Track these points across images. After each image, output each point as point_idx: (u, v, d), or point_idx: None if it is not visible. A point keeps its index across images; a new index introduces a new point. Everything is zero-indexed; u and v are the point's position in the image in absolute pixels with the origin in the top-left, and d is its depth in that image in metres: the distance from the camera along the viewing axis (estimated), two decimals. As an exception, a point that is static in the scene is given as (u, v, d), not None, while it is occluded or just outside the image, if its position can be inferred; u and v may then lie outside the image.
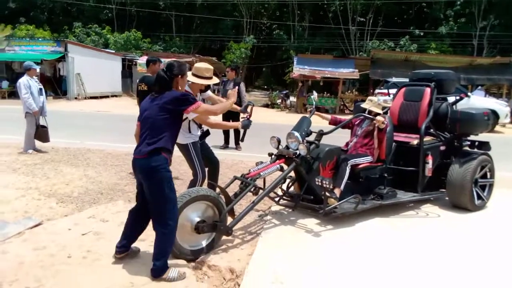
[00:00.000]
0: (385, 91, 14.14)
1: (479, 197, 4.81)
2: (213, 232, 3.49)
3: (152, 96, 3.09)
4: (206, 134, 4.47)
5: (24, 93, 7.10)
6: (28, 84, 7.15)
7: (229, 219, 3.64)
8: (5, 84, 21.97)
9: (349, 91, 26.58)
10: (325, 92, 22.62)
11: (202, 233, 3.39)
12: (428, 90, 5.07)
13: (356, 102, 22.21)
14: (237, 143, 8.89)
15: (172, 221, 3.01)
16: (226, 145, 8.88)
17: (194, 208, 3.40)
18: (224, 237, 3.65)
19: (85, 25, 38.95)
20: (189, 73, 3.95)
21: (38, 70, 7.61)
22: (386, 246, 3.73)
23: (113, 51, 30.68)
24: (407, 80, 6.46)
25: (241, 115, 5.04)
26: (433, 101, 4.99)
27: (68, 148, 7.95)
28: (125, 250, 3.29)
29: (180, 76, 3.09)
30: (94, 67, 23.91)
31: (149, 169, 2.92)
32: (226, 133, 8.86)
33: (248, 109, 4.25)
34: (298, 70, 20.95)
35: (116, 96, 26.68)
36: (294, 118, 17.34)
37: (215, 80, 4.12)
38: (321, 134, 4.20)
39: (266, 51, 43.51)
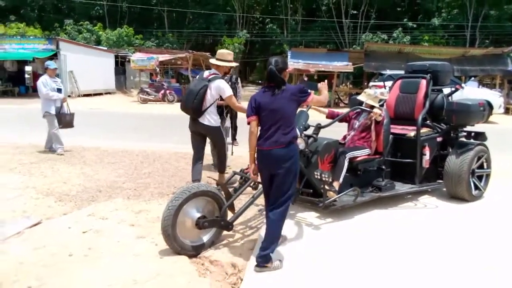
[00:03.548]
0: (380, 83, 14.19)
1: (476, 187, 4.85)
2: (214, 227, 3.50)
3: (267, 90, 3.21)
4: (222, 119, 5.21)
5: (45, 91, 7.01)
6: (47, 82, 7.07)
7: (229, 214, 3.65)
8: (-4, 83, 21.77)
9: (343, 84, 26.58)
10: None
11: (203, 228, 3.39)
12: (423, 82, 5.09)
13: (351, 96, 22.29)
14: (234, 138, 8.86)
15: (288, 206, 3.24)
16: (222, 141, 8.84)
17: (195, 204, 3.40)
18: (224, 232, 3.66)
19: (76, 22, 38.52)
20: (212, 59, 4.72)
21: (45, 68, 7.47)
22: (387, 237, 3.76)
23: (106, 48, 30.42)
24: (402, 72, 6.48)
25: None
26: (429, 93, 5.02)
27: (63, 146, 7.87)
28: None
29: (286, 69, 3.30)
30: (87, 65, 23.68)
31: (289, 158, 3.12)
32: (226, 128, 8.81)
33: None
34: (292, 64, 20.87)
35: (109, 93, 26.48)
36: (289, 112, 17.47)
37: (235, 63, 4.88)
38: (319, 127, 4.21)
39: (260, 46, 43.38)
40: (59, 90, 7.27)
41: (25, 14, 40.60)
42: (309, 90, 3.31)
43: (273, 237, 3.16)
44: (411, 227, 4.03)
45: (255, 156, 3.26)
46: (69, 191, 5.04)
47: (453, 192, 4.84)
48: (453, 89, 5.36)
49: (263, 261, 3.08)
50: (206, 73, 4.66)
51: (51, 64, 7.35)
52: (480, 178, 4.96)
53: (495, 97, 14.97)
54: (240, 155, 7.50)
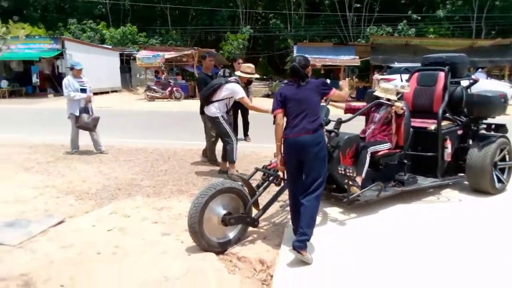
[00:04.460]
0: (388, 77, 14.12)
1: (499, 180, 4.81)
2: (239, 224, 3.50)
3: (291, 84, 3.39)
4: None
5: (66, 92, 6.90)
6: (69, 83, 6.89)
7: (253, 211, 3.64)
8: (4, 83, 21.79)
9: (349, 78, 26.48)
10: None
11: (229, 225, 3.39)
12: (442, 74, 5.03)
13: (358, 89, 22.18)
14: (245, 134, 8.87)
15: (321, 192, 3.32)
16: (234, 137, 8.84)
17: (220, 200, 3.40)
18: (249, 229, 3.65)
19: (79, 21, 38.54)
20: (238, 72, 5.85)
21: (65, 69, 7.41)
22: (412, 232, 3.74)
23: (110, 47, 30.43)
24: (411, 64, 6.40)
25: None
26: (447, 85, 4.96)
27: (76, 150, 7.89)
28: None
29: (308, 66, 3.44)
30: (92, 64, 23.61)
31: (316, 144, 3.23)
32: (234, 125, 8.80)
33: None
34: (299, 59, 20.83)
35: (116, 91, 26.53)
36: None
37: (256, 75, 6.02)
38: (339, 122, 4.17)
39: (263, 41, 43.19)
40: (83, 91, 7.01)
41: (28, 14, 40.65)
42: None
43: (310, 223, 3.19)
44: (436, 221, 4.00)
45: (281, 147, 3.38)
46: (88, 189, 5.05)
47: (476, 186, 4.80)
48: (471, 81, 5.30)
49: (300, 247, 3.08)
50: (232, 77, 5.63)
51: (77, 64, 7.14)
52: (502, 170, 4.91)
53: (505, 88, 14.83)
54: (253, 150, 7.50)
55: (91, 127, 7.03)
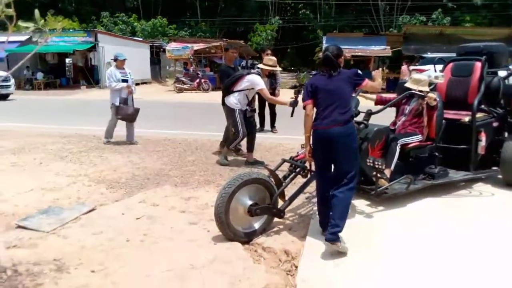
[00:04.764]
0: (421, 67, 13.69)
1: (535, 175, 4.61)
2: (265, 214, 3.50)
3: (323, 74, 3.33)
4: (253, 111, 6.04)
5: (108, 82, 7.10)
6: (111, 74, 7.06)
7: (279, 202, 3.63)
8: (40, 75, 22.63)
9: (380, 69, 25.90)
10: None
11: (255, 215, 3.39)
12: (478, 64, 4.84)
13: (396, 81, 21.62)
14: (272, 125, 8.86)
15: (355, 185, 3.30)
16: (261, 128, 8.84)
17: (247, 191, 3.40)
18: (275, 220, 3.65)
19: (112, 14, 39.39)
20: (260, 64, 6.28)
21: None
22: (442, 227, 3.64)
23: (141, 39, 30.99)
24: (445, 54, 6.17)
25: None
26: (484, 76, 4.77)
27: (109, 139, 8.10)
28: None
29: (341, 56, 3.40)
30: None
31: (347, 135, 3.19)
32: (261, 117, 8.82)
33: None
34: (328, 49, 20.54)
35: (145, 83, 27.03)
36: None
37: (278, 68, 6.51)
38: (369, 114, 4.09)
39: (292, 32, 42.80)
40: (124, 81, 7.10)
41: (63, 7, 41.91)
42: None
43: (342, 215, 3.16)
44: (467, 216, 3.89)
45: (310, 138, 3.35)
46: (119, 178, 5.18)
47: (509, 180, 4.62)
48: (510, 71, 5.06)
49: (333, 239, 3.08)
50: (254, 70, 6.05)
51: (120, 55, 7.27)
52: (538, 165, 4.69)
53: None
54: (280, 142, 7.47)
55: (132, 118, 7.17)
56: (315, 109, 3.32)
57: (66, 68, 23.37)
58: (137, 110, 7.22)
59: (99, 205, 4.27)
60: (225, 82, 5.79)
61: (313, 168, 3.63)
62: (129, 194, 4.65)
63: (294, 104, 4.57)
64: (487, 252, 3.15)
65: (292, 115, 4.47)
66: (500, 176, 4.81)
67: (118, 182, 5.03)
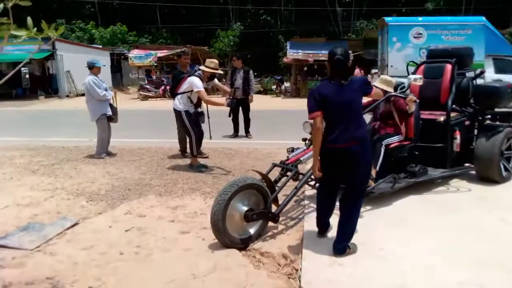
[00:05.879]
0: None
1: (506, 169, 4.89)
2: (261, 219, 3.50)
3: (332, 82, 3.02)
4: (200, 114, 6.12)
5: (100, 92, 6.49)
6: (98, 83, 6.57)
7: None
8: (-7, 86, 21.46)
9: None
10: (318, 76, 22.54)
11: (251, 221, 3.39)
12: (449, 66, 5.08)
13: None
14: (247, 131, 8.87)
15: (364, 195, 3.34)
16: (236, 134, 8.84)
17: (242, 197, 3.40)
18: (268, 224, 3.65)
19: (68, 21, 38.02)
20: (202, 66, 5.92)
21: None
22: (429, 221, 3.79)
23: (101, 46, 30.14)
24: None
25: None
26: (454, 77, 5.01)
27: (78, 146, 7.83)
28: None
29: (350, 60, 3.15)
30: (83, 64, 23.17)
31: (363, 155, 3.03)
32: (235, 122, 8.81)
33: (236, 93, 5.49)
34: (292, 54, 20.88)
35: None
36: (292, 103, 17.42)
37: (219, 71, 6.25)
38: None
39: (255, 37, 43.05)
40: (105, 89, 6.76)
41: (15, 15, 39.97)
42: None
43: (350, 230, 3.17)
44: (450, 210, 4.07)
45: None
46: (98, 190, 5.00)
47: (484, 175, 4.87)
48: (477, 72, 5.36)
49: (340, 251, 3.12)
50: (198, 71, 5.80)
51: (97, 62, 6.85)
52: (508, 159, 4.99)
53: None
54: (256, 147, 7.49)
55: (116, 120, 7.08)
56: (324, 122, 3.04)
57: (22, 78, 22.32)
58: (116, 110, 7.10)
59: (82, 219, 4.11)
60: (171, 86, 6.18)
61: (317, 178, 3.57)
62: (111, 206, 4.50)
63: (231, 104, 4.67)
64: (472, 241, 3.32)
65: (230, 115, 4.49)
66: (472, 172, 5.06)
67: (98, 194, 4.86)
